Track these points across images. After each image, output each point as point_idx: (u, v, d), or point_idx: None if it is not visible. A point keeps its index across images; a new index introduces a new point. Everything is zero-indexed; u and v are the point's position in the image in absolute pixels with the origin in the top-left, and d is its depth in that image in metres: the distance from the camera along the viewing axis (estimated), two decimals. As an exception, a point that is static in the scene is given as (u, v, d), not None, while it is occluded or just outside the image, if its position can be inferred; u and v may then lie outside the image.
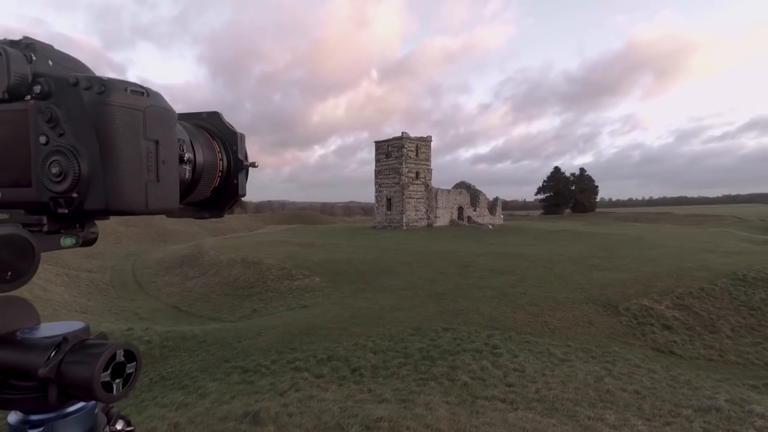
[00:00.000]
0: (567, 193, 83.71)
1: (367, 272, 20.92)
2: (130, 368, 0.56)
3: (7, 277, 0.49)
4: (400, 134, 39.90)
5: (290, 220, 70.84)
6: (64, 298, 19.29)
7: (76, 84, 0.55)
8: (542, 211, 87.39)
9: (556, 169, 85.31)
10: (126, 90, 0.57)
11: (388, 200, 40.58)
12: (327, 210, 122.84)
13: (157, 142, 0.59)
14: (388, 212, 40.50)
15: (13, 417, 0.57)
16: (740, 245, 25.78)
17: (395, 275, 20.14)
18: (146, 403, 8.63)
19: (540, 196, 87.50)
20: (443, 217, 40.98)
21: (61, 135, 0.55)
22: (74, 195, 0.55)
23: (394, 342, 12.04)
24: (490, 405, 8.17)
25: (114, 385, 0.54)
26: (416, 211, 39.93)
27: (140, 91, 0.58)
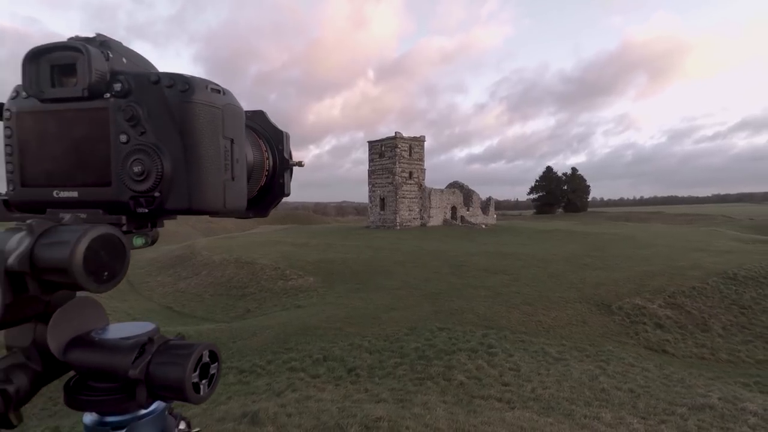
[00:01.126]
0: (559, 193, 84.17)
1: (361, 272, 20.91)
2: (213, 369, 0.56)
3: (104, 278, 0.49)
4: (393, 134, 39.90)
5: (283, 220, 70.51)
6: (54, 298, 19.05)
7: (157, 81, 0.55)
8: (534, 210, 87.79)
9: (549, 169, 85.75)
10: (207, 88, 0.56)
11: (382, 200, 40.55)
12: (320, 210, 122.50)
13: (232, 141, 0.59)
14: (382, 212, 40.48)
15: (90, 418, 0.56)
16: (730, 244, 26.08)
17: (389, 275, 20.14)
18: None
19: (532, 196, 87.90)
20: (436, 216, 41.06)
21: (142, 133, 0.54)
22: (156, 194, 0.54)
23: (390, 342, 12.04)
24: (487, 404, 8.21)
25: (201, 386, 0.54)
26: (410, 210, 39.95)
27: (218, 89, 0.58)
